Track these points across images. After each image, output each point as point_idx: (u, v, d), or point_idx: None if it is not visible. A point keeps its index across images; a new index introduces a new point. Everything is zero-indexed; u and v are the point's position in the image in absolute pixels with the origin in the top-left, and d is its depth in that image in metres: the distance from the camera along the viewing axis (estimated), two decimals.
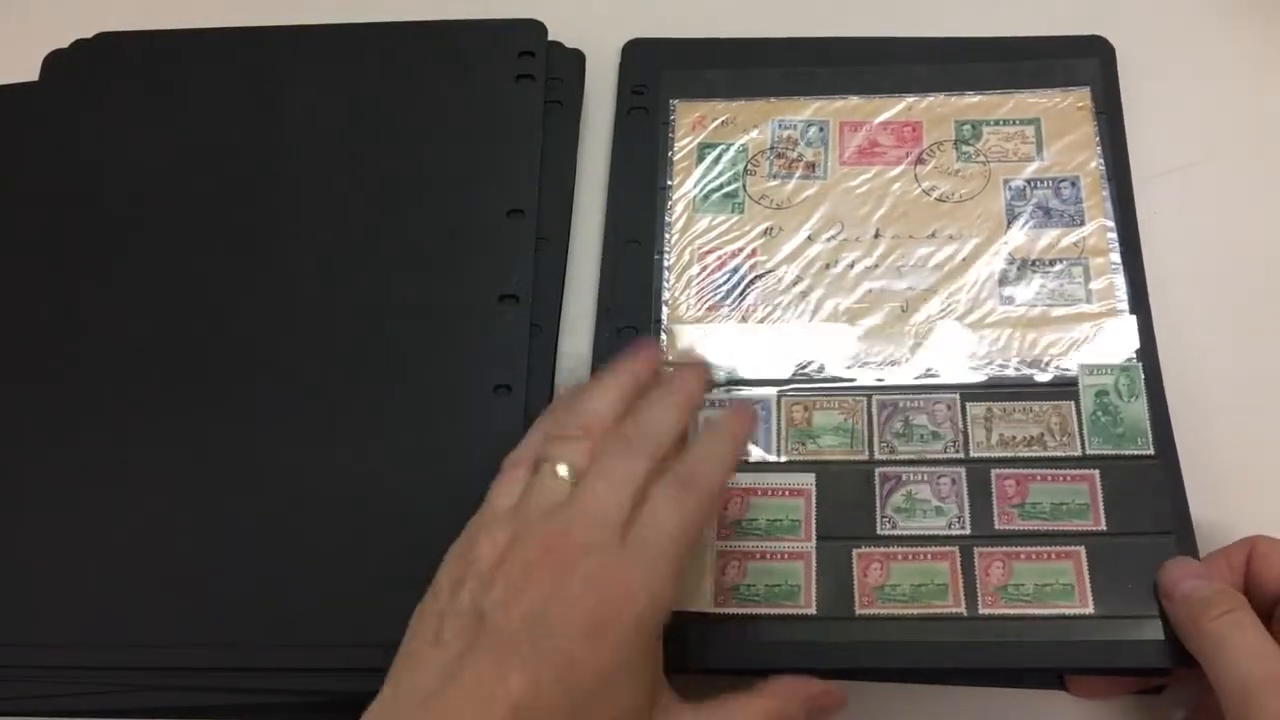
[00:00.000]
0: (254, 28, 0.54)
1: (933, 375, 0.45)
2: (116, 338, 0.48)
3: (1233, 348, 0.46)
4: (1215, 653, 0.36)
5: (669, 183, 0.50)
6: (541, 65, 0.52)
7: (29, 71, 0.54)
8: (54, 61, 0.54)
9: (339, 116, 0.52)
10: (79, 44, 0.55)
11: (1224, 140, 0.50)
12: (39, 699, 0.43)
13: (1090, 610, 0.40)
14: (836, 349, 0.46)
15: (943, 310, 0.46)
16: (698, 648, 0.41)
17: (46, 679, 0.43)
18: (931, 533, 0.42)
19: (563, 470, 0.36)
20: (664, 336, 0.47)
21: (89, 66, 0.54)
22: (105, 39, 0.55)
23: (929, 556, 0.42)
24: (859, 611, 0.41)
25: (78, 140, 0.53)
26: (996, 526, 0.42)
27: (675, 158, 0.51)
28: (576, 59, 0.54)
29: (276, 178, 0.51)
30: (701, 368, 0.42)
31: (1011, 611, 0.40)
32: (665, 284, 0.48)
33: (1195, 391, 0.44)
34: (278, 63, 0.53)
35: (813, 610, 0.41)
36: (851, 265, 0.48)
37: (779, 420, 0.45)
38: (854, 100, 0.51)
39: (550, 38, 0.53)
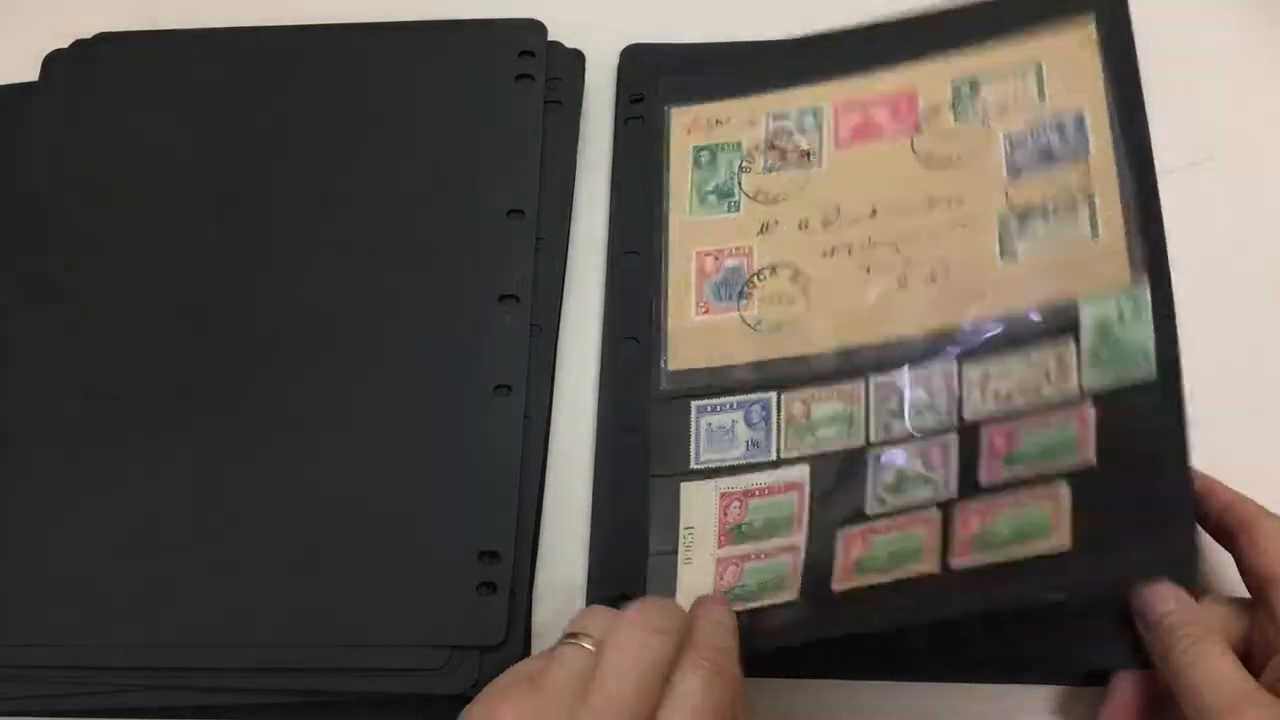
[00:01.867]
0: (254, 28, 0.54)
1: (933, 346, 0.44)
2: (116, 338, 0.48)
3: (1244, 344, 0.46)
4: (1176, 679, 0.36)
5: (665, 189, 0.50)
6: (541, 65, 0.52)
7: (29, 71, 0.54)
8: (54, 61, 0.54)
9: (339, 117, 0.52)
10: (79, 44, 0.54)
11: (1234, 134, 0.50)
12: (39, 699, 0.43)
13: (1067, 545, 0.39)
14: (835, 336, 0.45)
15: (944, 280, 0.45)
16: None
17: (46, 679, 0.43)
18: (917, 503, 0.41)
19: (587, 643, 0.36)
20: (666, 347, 0.47)
21: (89, 66, 0.54)
22: (105, 39, 0.54)
23: (909, 524, 0.41)
24: (836, 587, 0.40)
25: (78, 140, 0.52)
26: (982, 482, 0.41)
27: (670, 164, 0.50)
28: (576, 59, 0.53)
29: (277, 178, 0.51)
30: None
31: (984, 559, 0.39)
32: (665, 291, 0.48)
33: (1204, 380, 0.43)
34: (278, 63, 0.53)
35: (794, 595, 0.41)
36: (849, 250, 0.47)
37: (778, 419, 0.45)
38: (847, 81, 0.50)
39: (550, 38, 0.53)
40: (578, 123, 0.52)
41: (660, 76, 0.52)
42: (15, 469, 0.47)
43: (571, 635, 0.36)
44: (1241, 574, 0.39)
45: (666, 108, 0.51)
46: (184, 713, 0.43)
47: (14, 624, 0.44)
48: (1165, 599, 0.38)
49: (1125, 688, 0.40)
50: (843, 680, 0.42)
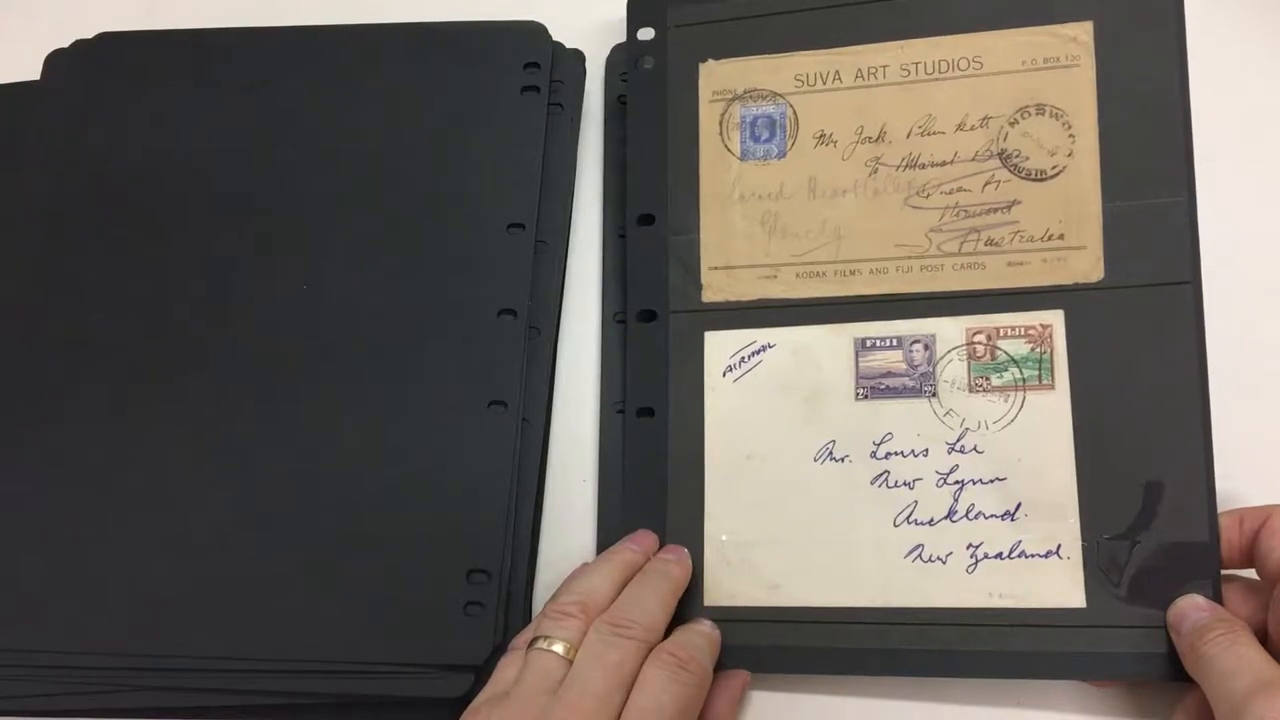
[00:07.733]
0: (255, 29, 0.54)
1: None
2: (115, 338, 0.49)
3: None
4: (1208, 671, 0.37)
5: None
6: (546, 76, 0.51)
7: (29, 71, 0.54)
8: (54, 61, 0.54)
9: (341, 121, 0.51)
10: (79, 44, 0.54)
11: (1234, 135, 0.50)
12: (39, 699, 0.44)
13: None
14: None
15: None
16: None
17: (46, 679, 0.44)
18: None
19: (558, 648, 0.38)
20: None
21: (89, 66, 0.54)
22: (105, 39, 0.54)
23: None
24: None
25: (78, 140, 0.52)
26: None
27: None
28: (577, 60, 0.53)
29: (277, 182, 0.51)
30: (684, 553, 0.43)
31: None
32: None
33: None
34: (279, 63, 0.53)
35: None
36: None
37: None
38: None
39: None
40: (578, 125, 0.52)
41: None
42: (14, 470, 0.47)
43: (544, 637, 0.38)
44: (1257, 566, 0.40)
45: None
46: (182, 713, 0.43)
47: (14, 624, 0.44)
48: (1199, 608, 0.40)
49: None
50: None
